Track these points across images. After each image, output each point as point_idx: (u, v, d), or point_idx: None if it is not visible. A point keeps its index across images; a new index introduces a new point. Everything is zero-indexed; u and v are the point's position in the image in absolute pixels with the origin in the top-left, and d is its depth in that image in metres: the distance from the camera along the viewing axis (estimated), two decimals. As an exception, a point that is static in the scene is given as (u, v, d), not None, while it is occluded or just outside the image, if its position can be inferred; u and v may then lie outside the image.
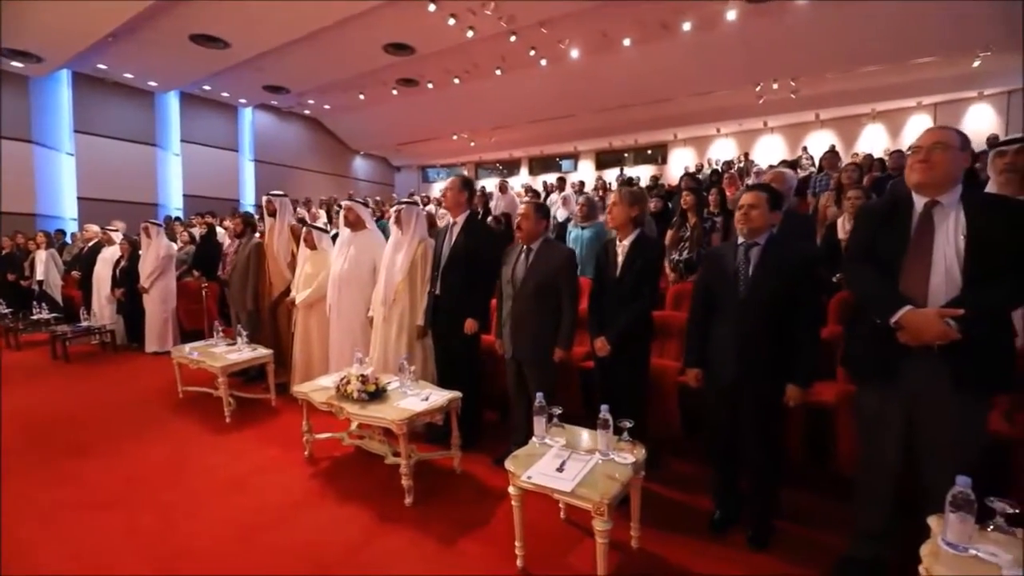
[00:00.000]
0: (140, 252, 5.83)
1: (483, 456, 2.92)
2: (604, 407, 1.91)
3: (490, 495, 2.55)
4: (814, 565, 1.96)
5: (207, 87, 12.01)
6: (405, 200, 3.43)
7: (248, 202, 13.67)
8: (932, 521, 1.44)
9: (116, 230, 6.47)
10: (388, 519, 2.38)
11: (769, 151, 13.37)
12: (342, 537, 2.25)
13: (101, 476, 2.87)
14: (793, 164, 7.90)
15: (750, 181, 8.05)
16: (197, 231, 7.30)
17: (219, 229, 7.28)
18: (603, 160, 16.37)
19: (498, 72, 11.03)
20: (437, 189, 18.02)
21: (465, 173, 18.74)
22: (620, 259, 2.41)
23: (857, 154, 9.99)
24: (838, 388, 2.30)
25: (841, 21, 8.42)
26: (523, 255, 2.68)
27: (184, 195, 12.31)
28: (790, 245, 2.11)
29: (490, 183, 13.23)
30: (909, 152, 1.78)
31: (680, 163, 14.36)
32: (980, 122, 10.94)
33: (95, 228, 6.99)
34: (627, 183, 8.73)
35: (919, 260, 1.67)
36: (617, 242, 2.47)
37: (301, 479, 2.82)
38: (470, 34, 9.11)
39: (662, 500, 2.48)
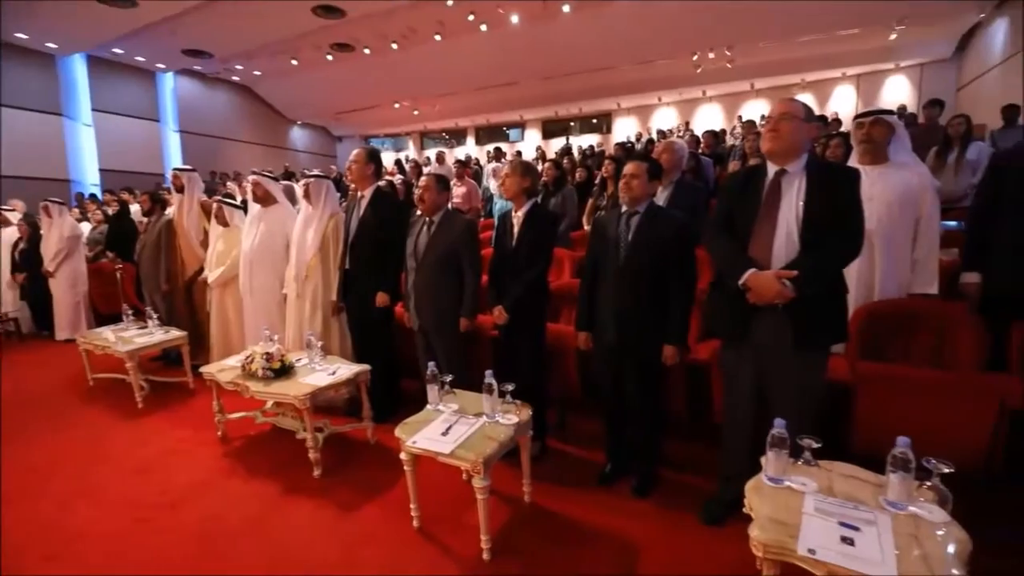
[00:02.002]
0: (42, 233, 5.43)
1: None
2: (488, 372, 1.99)
3: (398, 463, 2.60)
4: (690, 508, 2.14)
5: (118, 50, 11.01)
6: (313, 173, 3.34)
7: (175, 176, 12.83)
8: (763, 460, 1.61)
9: (13, 210, 5.97)
10: (293, 492, 2.42)
11: (708, 119, 13.70)
12: (242, 512, 2.27)
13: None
14: (718, 134, 8.13)
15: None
16: (111, 209, 6.84)
17: (134, 207, 6.85)
18: (549, 129, 16.32)
19: (437, 38, 10.67)
20: (386, 160, 17.48)
21: (410, 142, 18.30)
22: (516, 229, 2.47)
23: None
24: (715, 346, 2.48)
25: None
26: (425, 227, 2.69)
27: (101, 169, 11.38)
28: (668, 213, 2.22)
29: (435, 153, 12.97)
30: (762, 124, 1.89)
31: (624, 132, 14.51)
32: (897, 93, 11.60)
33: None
34: (564, 152, 8.79)
35: (766, 225, 1.81)
36: (513, 213, 2.52)
37: (210, 459, 2.80)
38: (402, -4, 8.74)
39: (563, 456, 2.63)
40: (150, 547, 2.08)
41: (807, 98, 12.86)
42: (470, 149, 16.45)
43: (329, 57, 11.95)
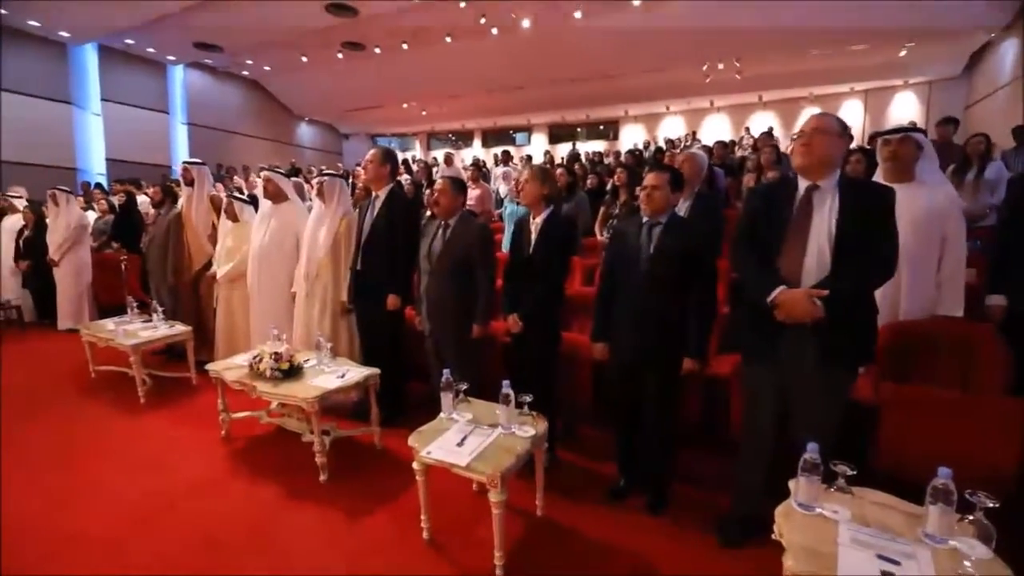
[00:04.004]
0: (47, 221, 5.38)
1: (406, 431, 2.87)
2: (505, 383, 1.94)
3: (407, 470, 2.52)
4: (704, 525, 2.09)
5: (130, 41, 10.99)
6: (328, 172, 3.30)
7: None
8: (792, 484, 1.56)
9: (19, 196, 5.92)
10: (298, 496, 2.36)
11: (715, 130, 13.68)
12: (246, 515, 2.22)
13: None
14: (729, 145, 8.12)
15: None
16: (117, 199, 6.79)
17: (141, 198, 6.81)
18: (556, 134, 16.30)
19: (448, 39, 10.66)
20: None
21: (417, 143, 18.28)
22: (534, 236, 2.43)
23: (795, 135, 10.39)
24: (734, 360, 2.43)
25: (785, 5, 8.60)
26: (440, 230, 2.64)
27: (107, 159, 11.34)
28: (690, 225, 2.18)
29: (442, 154, 12.95)
30: (794, 137, 1.86)
31: (631, 139, 14.49)
32: (905, 109, 11.59)
33: (-6, 194, 6.38)
34: (573, 159, 8.76)
35: (796, 241, 1.76)
36: (531, 220, 2.48)
37: (213, 459, 2.75)
38: (416, -2, 8.73)
39: (573, 468, 2.58)
40: (150, 549, 2.03)
41: (815, 112, 12.84)
42: (476, 151, 16.42)
43: (339, 55, 11.94)
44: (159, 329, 3.70)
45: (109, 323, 3.88)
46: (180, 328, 3.74)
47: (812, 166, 1.77)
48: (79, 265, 5.37)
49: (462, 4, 9.40)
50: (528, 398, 1.94)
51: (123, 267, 5.45)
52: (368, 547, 2.01)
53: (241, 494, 2.40)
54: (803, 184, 1.82)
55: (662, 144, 10.96)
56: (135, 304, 4.04)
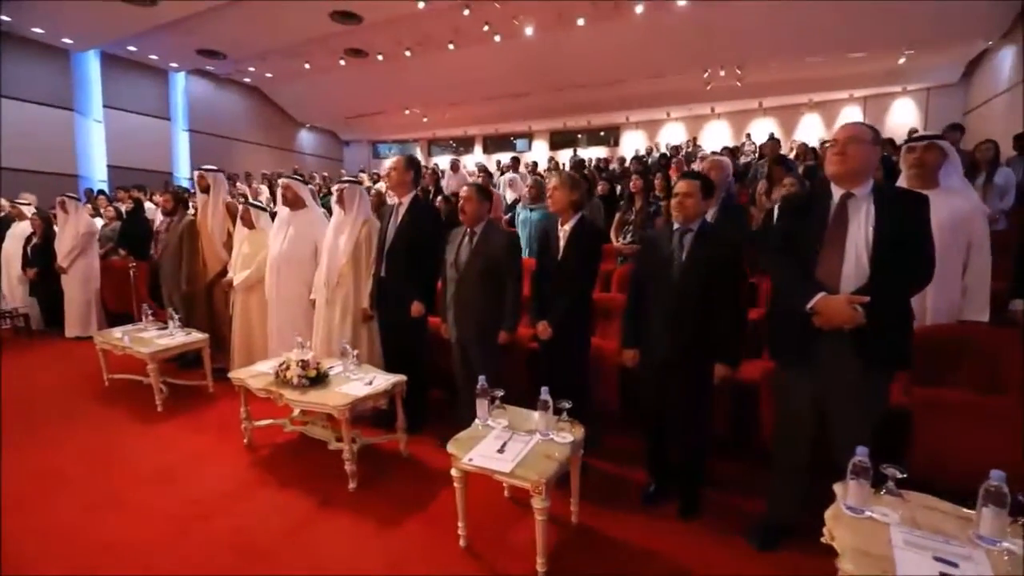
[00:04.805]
0: (56, 228, 5.36)
1: (430, 438, 2.92)
2: (544, 389, 1.95)
3: (435, 477, 2.56)
4: (737, 531, 2.10)
5: (132, 48, 11.01)
6: (347, 179, 3.32)
7: (182, 175, 12.74)
8: (837, 488, 1.57)
9: (27, 203, 5.89)
10: (329, 504, 2.36)
11: (716, 136, 13.79)
12: (279, 524, 2.22)
13: (6, 475, 2.66)
14: (735, 150, 8.20)
15: (696, 166, 8.34)
16: (123, 206, 6.78)
17: (148, 204, 6.80)
18: (557, 140, 16.37)
19: (451, 47, 10.72)
20: (389, 165, 17.49)
21: (418, 149, 18.32)
22: (562, 243, 2.44)
23: (794, 142, 10.51)
24: (763, 366, 2.45)
25: (785, 12, 8.72)
26: (467, 238, 2.66)
27: (109, 166, 11.30)
28: (721, 232, 2.21)
29: (443, 160, 12.98)
30: (827, 145, 1.89)
31: (632, 146, 14.57)
32: (903, 116, 11.72)
33: (2, 201, 6.35)
34: (579, 165, 8.81)
35: (833, 249, 1.79)
36: (559, 226, 2.49)
37: (239, 468, 2.74)
38: (421, 5, 8.79)
39: (600, 475, 2.59)
40: (187, 558, 2.02)
41: (814, 118, 13.01)
42: (478, 157, 16.47)
43: (342, 62, 11.99)
44: (176, 337, 3.69)
45: (117, 331, 3.85)
46: (197, 335, 3.73)
47: (847, 174, 1.80)
48: (88, 272, 5.35)
49: (465, 12, 9.47)
50: (567, 404, 1.95)
51: (132, 274, 5.43)
52: (406, 554, 2.01)
53: (271, 502, 2.39)
54: (837, 192, 1.85)
55: (664, 150, 11.04)
56: (150, 312, 4.02)
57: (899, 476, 1.45)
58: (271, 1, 8.57)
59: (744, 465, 2.56)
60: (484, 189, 2.71)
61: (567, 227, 2.45)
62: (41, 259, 5.38)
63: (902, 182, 2.47)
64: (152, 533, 2.18)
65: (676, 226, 2.19)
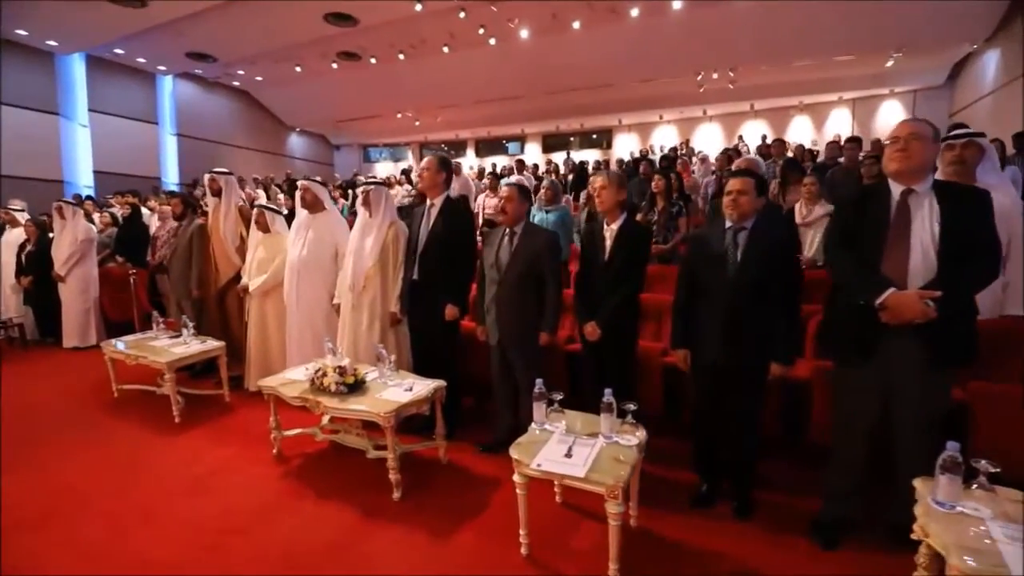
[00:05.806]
0: (52, 235, 5.17)
1: (465, 444, 2.87)
2: (608, 391, 1.91)
3: (481, 483, 2.51)
4: (795, 530, 2.09)
5: (119, 51, 10.73)
6: (373, 180, 3.25)
7: (171, 180, 12.46)
8: (918, 483, 1.56)
9: (20, 210, 5.68)
10: (375, 516, 2.28)
11: (708, 139, 13.97)
12: (324, 538, 2.13)
13: (26, 490, 2.54)
14: (729, 152, 8.30)
15: (695, 167, 8.41)
16: (119, 212, 6.58)
17: (144, 210, 6.61)
18: (550, 143, 16.42)
19: (446, 49, 10.68)
20: (379, 169, 17.34)
21: (409, 153, 18.19)
22: (608, 243, 2.42)
23: (788, 143, 10.68)
24: (811, 364, 2.45)
25: (777, 17, 8.87)
26: (507, 238, 2.61)
27: (95, 171, 10.99)
28: (772, 230, 2.20)
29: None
30: (887, 142, 1.89)
31: (624, 148, 14.69)
32: (891, 117, 11.97)
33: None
34: (580, 168, 8.82)
35: (898, 244, 1.79)
36: (605, 226, 2.46)
37: (270, 479, 2.64)
38: (418, 7, 8.72)
39: (647, 477, 2.54)
40: (229, 573, 1.93)
41: (804, 120, 13.26)
42: (470, 161, 16.42)
43: (334, 66, 11.86)
44: (192, 345, 3.57)
45: (133, 339, 3.72)
46: (213, 344, 3.61)
47: (909, 171, 1.80)
48: (86, 280, 5.17)
49: (461, 15, 9.44)
50: (632, 406, 1.92)
51: (132, 282, 5.27)
52: (466, 566, 1.94)
53: (313, 514, 2.31)
54: (896, 189, 1.85)
55: (664, 152, 11.11)
56: (161, 320, 3.89)
57: (991, 470, 1.44)
58: (265, 2, 8.43)
59: (791, 464, 2.55)
60: (525, 189, 2.68)
61: (614, 227, 2.42)
62: (36, 266, 5.18)
63: (939, 178, 2.50)
64: (189, 548, 2.09)
65: (728, 224, 2.18)
